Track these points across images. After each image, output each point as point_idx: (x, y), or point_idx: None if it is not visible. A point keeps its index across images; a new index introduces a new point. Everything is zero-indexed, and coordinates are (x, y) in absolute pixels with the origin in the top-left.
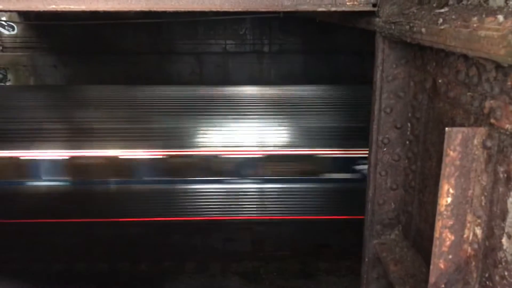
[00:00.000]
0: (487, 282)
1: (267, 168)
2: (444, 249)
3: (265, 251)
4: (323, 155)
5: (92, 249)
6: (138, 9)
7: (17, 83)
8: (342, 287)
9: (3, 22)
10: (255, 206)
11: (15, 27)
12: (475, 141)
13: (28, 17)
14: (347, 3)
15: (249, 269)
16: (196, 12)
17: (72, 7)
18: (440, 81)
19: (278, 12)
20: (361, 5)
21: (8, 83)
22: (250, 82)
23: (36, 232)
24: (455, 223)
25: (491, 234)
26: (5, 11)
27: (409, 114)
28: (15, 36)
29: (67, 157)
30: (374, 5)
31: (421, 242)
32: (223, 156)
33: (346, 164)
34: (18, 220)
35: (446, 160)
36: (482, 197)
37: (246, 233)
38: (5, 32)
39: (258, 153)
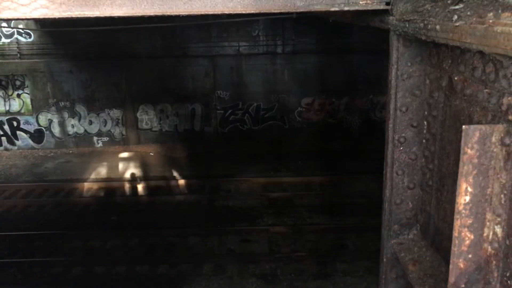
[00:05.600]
0: (509, 282)
1: None
2: (464, 248)
3: None
4: None
5: None
6: (151, 14)
7: (35, 89)
8: None
9: (21, 30)
10: None
11: (32, 34)
12: (493, 139)
13: (44, 24)
14: (360, 2)
15: None
16: (209, 15)
17: (86, 13)
18: (456, 78)
19: (291, 13)
20: (374, 3)
21: (25, 90)
22: (263, 83)
23: None
24: (474, 222)
25: None
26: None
27: (425, 113)
28: (32, 43)
29: None
30: (387, 3)
31: (440, 241)
32: None
33: None
34: None
35: (463, 158)
36: (502, 195)
37: None
38: (22, 39)
39: None
